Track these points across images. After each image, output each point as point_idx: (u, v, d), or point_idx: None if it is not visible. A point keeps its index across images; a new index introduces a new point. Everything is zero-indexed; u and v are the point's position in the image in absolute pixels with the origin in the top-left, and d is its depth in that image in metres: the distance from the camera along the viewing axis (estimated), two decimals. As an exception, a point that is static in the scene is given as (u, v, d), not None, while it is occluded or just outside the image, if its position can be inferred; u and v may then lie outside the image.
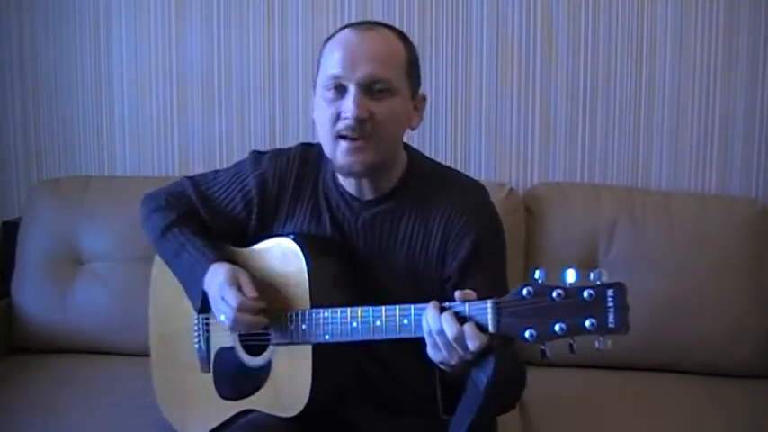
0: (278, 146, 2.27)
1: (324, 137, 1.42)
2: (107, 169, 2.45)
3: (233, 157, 2.33)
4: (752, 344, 2.06)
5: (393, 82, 1.38)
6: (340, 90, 1.37)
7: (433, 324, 1.21)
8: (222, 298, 1.39)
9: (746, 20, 2.22)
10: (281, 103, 2.37)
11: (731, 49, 2.23)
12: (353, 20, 2.25)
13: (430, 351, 1.24)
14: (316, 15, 2.33)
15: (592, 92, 2.28)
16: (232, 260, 1.47)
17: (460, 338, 1.18)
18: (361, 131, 1.36)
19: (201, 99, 2.39)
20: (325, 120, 1.39)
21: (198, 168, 2.36)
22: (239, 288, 1.38)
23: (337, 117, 1.37)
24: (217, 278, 1.41)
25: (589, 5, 2.26)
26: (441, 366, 1.26)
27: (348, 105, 1.35)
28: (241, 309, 1.37)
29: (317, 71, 1.44)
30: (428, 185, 1.48)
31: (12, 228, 2.29)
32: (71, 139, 2.45)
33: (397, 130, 1.43)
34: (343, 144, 1.38)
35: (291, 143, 1.62)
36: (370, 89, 1.36)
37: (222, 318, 1.40)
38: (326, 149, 1.43)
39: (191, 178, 1.63)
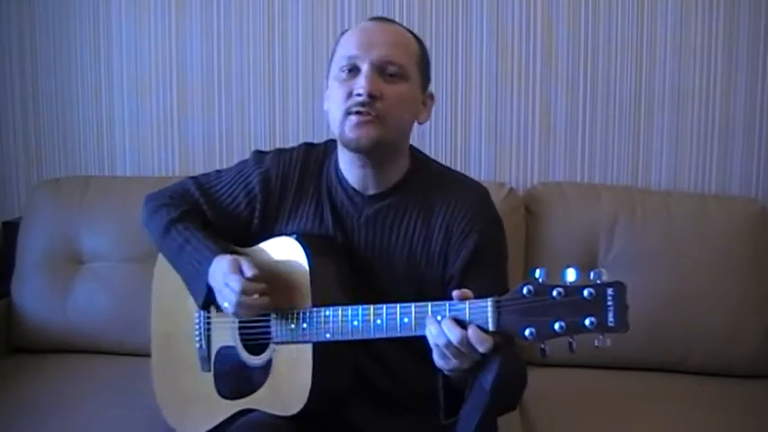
0: (278, 145, 2.26)
1: (334, 115, 1.42)
2: (107, 169, 2.45)
3: (233, 157, 2.34)
4: (752, 344, 2.06)
5: (405, 67, 1.41)
6: (354, 71, 1.40)
7: (438, 338, 1.21)
8: (226, 285, 1.39)
9: (746, 20, 2.22)
10: (281, 102, 2.37)
11: (731, 49, 2.23)
12: (353, 19, 2.29)
13: (439, 361, 1.23)
14: (316, 15, 2.33)
15: (592, 92, 2.29)
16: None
17: (466, 343, 1.18)
18: (371, 108, 1.37)
19: (201, 99, 2.39)
20: (336, 99, 1.41)
21: (198, 168, 2.36)
22: (241, 273, 1.39)
23: (349, 95, 1.39)
24: (221, 268, 1.41)
25: (589, 5, 2.26)
26: (449, 374, 1.26)
27: (360, 82, 1.37)
28: (243, 292, 1.37)
29: (331, 61, 1.46)
30: (431, 184, 1.49)
31: (12, 228, 2.29)
32: (71, 139, 2.45)
33: (405, 115, 1.44)
34: (353, 118, 1.38)
35: (291, 142, 1.63)
36: (382, 71, 1.39)
37: (226, 304, 1.41)
38: (336, 128, 1.43)
39: (194, 178, 1.63)
